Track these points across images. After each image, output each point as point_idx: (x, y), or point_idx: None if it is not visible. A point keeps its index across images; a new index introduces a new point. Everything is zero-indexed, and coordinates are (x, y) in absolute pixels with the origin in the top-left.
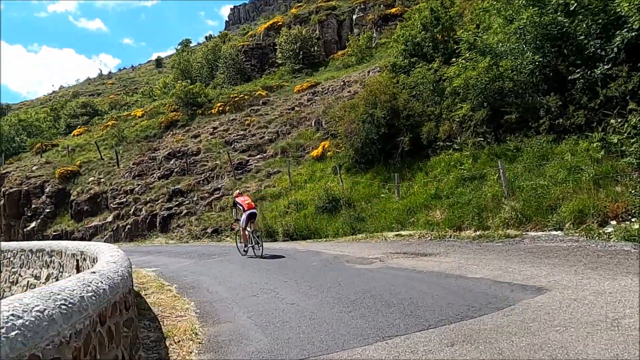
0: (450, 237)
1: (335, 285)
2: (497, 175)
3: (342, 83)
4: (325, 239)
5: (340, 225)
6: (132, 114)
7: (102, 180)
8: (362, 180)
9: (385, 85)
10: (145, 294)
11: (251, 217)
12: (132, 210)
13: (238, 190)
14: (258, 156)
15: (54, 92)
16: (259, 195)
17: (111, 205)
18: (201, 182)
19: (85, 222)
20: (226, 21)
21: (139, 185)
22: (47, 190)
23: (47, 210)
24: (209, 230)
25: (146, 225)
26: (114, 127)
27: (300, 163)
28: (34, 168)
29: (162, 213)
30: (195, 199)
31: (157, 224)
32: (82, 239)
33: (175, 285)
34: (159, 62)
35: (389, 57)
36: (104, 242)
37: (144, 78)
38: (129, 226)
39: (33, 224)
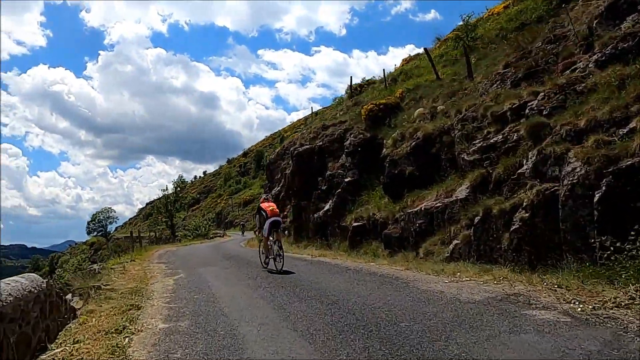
0: None
1: None
2: None
3: None
4: None
5: None
6: (490, 12)
7: (439, 109)
8: None
9: None
10: None
11: (274, 226)
12: (524, 166)
13: (264, 196)
14: None
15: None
16: None
17: (464, 157)
18: None
19: (408, 201)
20: None
21: (529, 96)
22: (347, 143)
23: (347, 180)
24: None
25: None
26: (460, 35)
27: None
28: (338, 114)
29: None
30: None
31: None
32: (403, 240)
33: None
34: None
35: None
36: (449, 261)
37: None
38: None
39: (327, 206)
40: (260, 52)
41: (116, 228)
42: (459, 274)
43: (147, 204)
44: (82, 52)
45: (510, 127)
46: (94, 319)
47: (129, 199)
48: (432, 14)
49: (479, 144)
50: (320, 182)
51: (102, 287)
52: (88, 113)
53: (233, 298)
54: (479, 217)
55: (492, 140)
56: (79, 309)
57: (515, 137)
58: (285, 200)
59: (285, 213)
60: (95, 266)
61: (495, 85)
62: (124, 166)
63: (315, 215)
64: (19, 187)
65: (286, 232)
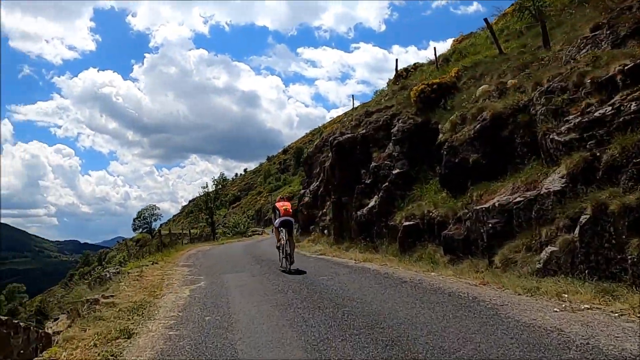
0: None
1: None
2: None
3: None
4: None
5: None
6: None
7: (509, 84)
8: None
9: None
10: None
11: (284, 225)
12: None
13: (280, 196)
14: None
15: None
16: None
17: (553, 137)
18: None
19: (474, 196)
20: None
21: None
22: (394, 130)
23: (395, 172)
24: None
25: None
26: (525, 4)
27: None
28: (382, 100)
29: None
30: None
31: None
32: (469, 244)
33: None
34: None
35: None
36: (542, 275)
37: None
38: None
39: (372, 202)
40: (299, 50)
41: (160, 225)
42: (566, 296)
43: (189, 202)
44: (129, 55)
45: (622, 94)
46: (64, 354)
47: (173, 196)
48: (474, 7)
49: (576, 120)
50: (363, 175)
51: (101, 300)
52: (135, 114)
53: (253, 323)
54: (587, 216)
55: (596, 114)
56: (58, 333)
57: (633, 107)
58: (324, 197)
59: (325, 210)
60: (111, 269)
61: (585, 50)
62: (169, 165)
63: (359, 212)
64: (72, 185)
65: (325, 231)
